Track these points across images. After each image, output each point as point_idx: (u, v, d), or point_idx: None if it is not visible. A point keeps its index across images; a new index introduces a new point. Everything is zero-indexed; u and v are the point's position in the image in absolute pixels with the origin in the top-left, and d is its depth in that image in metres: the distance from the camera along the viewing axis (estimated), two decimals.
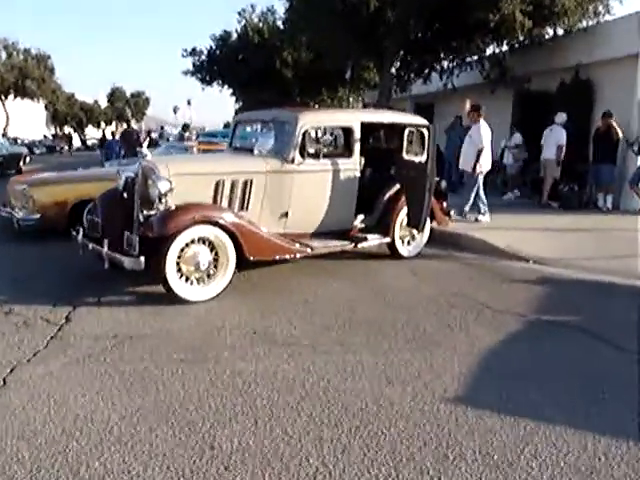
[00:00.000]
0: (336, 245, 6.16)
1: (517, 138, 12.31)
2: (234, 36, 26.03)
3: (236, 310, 4.98)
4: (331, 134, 7.33)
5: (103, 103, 75.18)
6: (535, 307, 5.21)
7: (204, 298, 5.17)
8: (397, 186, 6.85)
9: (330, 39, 13.41)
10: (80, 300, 5.15)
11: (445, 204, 7.76)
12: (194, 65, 26.18)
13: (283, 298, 5.35)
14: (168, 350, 4.03)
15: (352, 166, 6.28)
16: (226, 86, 27.63)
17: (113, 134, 18.59)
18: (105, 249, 5.14)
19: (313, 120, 5.94)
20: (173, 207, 5.10)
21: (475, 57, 14.08)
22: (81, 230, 5.72)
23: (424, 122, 6.82)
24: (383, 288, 5.73)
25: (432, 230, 7.33)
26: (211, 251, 5.19)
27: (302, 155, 5.83)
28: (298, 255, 5.83)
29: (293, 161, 5.79)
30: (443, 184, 7.59)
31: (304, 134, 5.82)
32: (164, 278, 4.95)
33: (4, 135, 42.23)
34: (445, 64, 14.28)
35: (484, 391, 3.49)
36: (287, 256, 5.75)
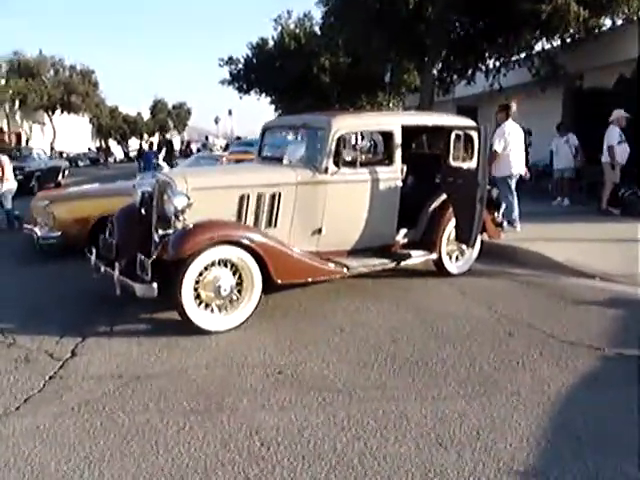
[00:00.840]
0: (376, 264, 5.49)
1: (572, 139, 11.29)
2: (270, 43, 25.71)
3: (261, 342, 4.37)
4: (369, 139, 6.65)
5: (146, 115, 76.51)
6: (612, 338, 4.42)
7: (226, 328, 4.58)
8: (443, 196, 6.14)
9: (368, 40, 12.74)
10: (91, 329, 4.65)
11: (497, 214, 7.00)
12: (231, 74, 25.96)
13: (316, 326, 4.71)
14: (178, 396, 3.45)
15: (393, 175, 5.61)
16: (263, 94, 27.33)
17: (150, 145, 18.41)
18: (116, 273, 4.62)
19: (348, 124, 5.31)
20: (191, 225, 4.55)
21: (522, 54, 13.17)
22: (94, 251, 5.23)
23: (472, 124, 6.10)
24: (429, 313, 5.03)
25: (482, 243, 6.57)
26: (234, 275, 4.61)
27: (336, 164, 5.20)
28: (333, 276, 5.19)
29: (326, 171, 5.16)
30: (494, 192, 6.82)
31: (338, 140, 5.20)
32: (180, 306, 4.39)
33: (52, 149, 43.28)
34: (490, 63, 13.40)
35: (564, 461, 2.76)
36: (320, 278, 5.12)
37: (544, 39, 12.12)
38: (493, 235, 6.62)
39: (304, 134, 5.76)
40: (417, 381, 3.65)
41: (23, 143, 42.46)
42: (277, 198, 5.07)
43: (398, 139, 5.58)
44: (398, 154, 5.60)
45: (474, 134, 6.07)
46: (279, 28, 24.93)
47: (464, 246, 6.12)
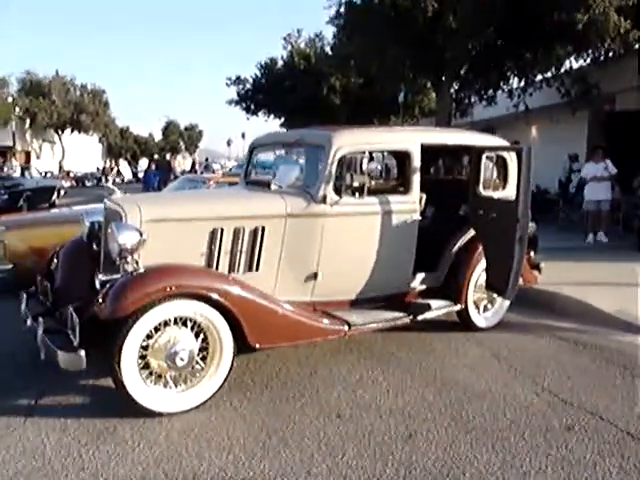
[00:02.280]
0: (386, 319, 4.30)
1: (610, 167, 9.97)
2: (279, 63, 24.88)
3: (228, 435, 3.19)
4: (380, 162, 5.48)
5: (157, 136, 76.46)
6: None
7: (183, 408, 3.42)
8: (471, 232, 4.98)
9: (381, 54, 11.66)
10: (9, 407, 3.49)
11: (532, 253, 5.81)
12: (238, 94, 25.11)
13: (304, 408, 3.52)
14: None
15: (410, 206, 4.46)
16: (272, 115, 26.43)
17: (150, 165, 17.46)
18: (40, 331, 3.48)
19: (354, 142, 4.18)
20: (142, 270, 3.42)
21: (549, 73, 12.03)
22: (25, 296, 4.11)
23: (507, 144, 4.96)
24: (455, 389, 3.82)
25: None
26: (197, 337, 3.45)
27: (338, 191, 4.07)
28: (330, 337, 4.02)
29: (325, 200, 4.03)
30: (532, 226, 5.62)
31: (341, 161, 4.07)
32: (119, 381, 3.23)
33: (60, 168, 42.74)
34: (514, 82, 12.27)
35: None
36: (312, 340, 3.95)
37: (575, 55, 10.99)
38: (529, 280, 5.42)
39: (299, 153, 4.64)
40: None
41: (32, 162, 42.12)
42: (260, 234, 3.94)
43: (417, 161, 4.44)
44: (416, 180, 4.47)
45: (509, 157, 4.95)
46: (289, 47, 24.14)
47: (495, 294, 4.94)
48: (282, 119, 27.99)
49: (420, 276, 4.77)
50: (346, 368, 4.16)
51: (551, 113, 13.00)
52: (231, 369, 3.56)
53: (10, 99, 38.55)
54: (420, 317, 4.53)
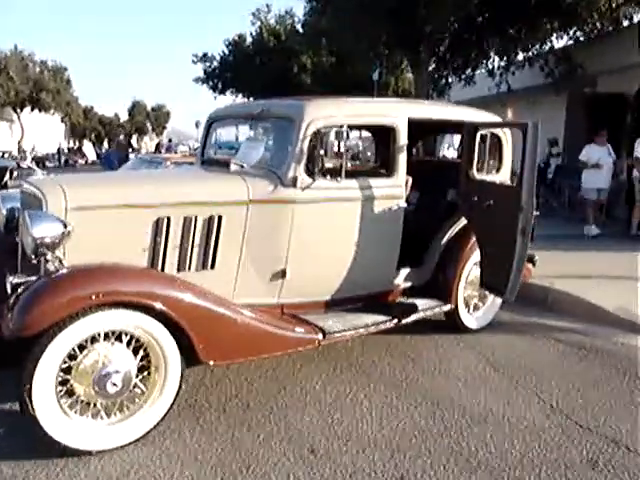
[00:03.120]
0: (367, 324, 3.65)
1: (612, 152, 9.04)
2: (248, 40, 23.85)
3: (174, 476, 2.52)
4: (359, 138, 4.77)
5: (123, 117, 74.33)
6: None
7: (119, 444, 2.73)
8: (462, 221, 4.37)
9: (356, 28, 10.88)
10: None
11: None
12: (205, 72, 24.02)
13: (268, 441, 2.86)
14: None
15: (394, 190, 3.80)
16: (240, 95, 25.41)
17: (110, 145, 16.34)
18: None
19: (329, 114, 3.49)
20: (64, 270, 2.70)
21: (532, 52, 11.45)
22: None
23: (507, 120, 4.33)
24: (450, 411, 3.21)
25: None
26: (135, 353, 2.76)
27: (310, 173, 3.39)
28: (300, 348, 3.36)
29: (294, 183, 3.35)
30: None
31: (314, 137, 3.38)
32: (30, 414, 2.51)
33: (19, 148, 40.90)
34: (495, 61, 11.65)
35: None
36: (278, 352, 3.28)
37: (562, 32, 10.39)
38: (525, 274, 4.84)
39: (264, 128, 3.92)
40: None
41: None
42: (216, 224, 3.23)
43: (403, 138, 3.78)
44: (402, 160, 3.81)
45: (504, 136, 4.36)
46: (257, 23, 23.09)
47: (490, 294, 4.35)
48: (250, 99, 27.01)
49: (404, 272, 4.14)
50: (320, 383, 3.51)
51: (531, 94, 12.46)
52: (179, 391, 2.88)
53: None
54: (405, 320, 3.90)
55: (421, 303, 4.10)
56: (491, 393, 3.45)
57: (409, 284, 4.23)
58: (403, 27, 10.04)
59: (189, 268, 3.21)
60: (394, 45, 11.77)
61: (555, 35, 10.56)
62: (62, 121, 55.69)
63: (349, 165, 3.71)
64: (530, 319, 4.93)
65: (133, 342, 2.74)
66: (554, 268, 5.74)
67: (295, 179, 3.34)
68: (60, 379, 2.59)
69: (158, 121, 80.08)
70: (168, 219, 3.11)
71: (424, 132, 4.96)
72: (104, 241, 2.96)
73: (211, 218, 3.21)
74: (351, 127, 3.52)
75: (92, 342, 2.64)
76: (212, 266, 3.27)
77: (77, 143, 61.06)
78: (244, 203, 3.27)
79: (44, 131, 51.49)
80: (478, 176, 4.26)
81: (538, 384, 3.58)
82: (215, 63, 23.93)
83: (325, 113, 3.47)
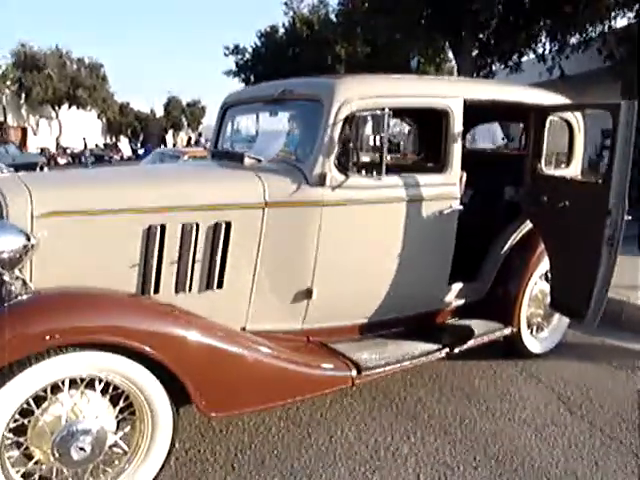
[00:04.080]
0: (412, 356, 2.94)
1: None
2: (281, 31, 23.18)
3: None
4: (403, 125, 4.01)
5: (159, 112, 74.90)
6: None
7: None
8: (527, 225, 3.61)
9: (393, 12, 10.04)
10: None
11: None
12: (237, 64, 23.46)
13: None
14: None
15: (447, 189, 3.08)
16: None
17: (145, 139, 15.82)
18: None
19: (367, 94, 2.78)
20: (24, 297, 2.08)
21: (586, 34, 10.42)
22: None
23: (591, 102, 3.55)
24: (521, 474, 2.48)
25: None
26: (113, 404, 2.12)
27: (342, 168, 2.70)
28: (328, 390, 2.67)
29: (323, 180, 2.66)
30: None
31: (347, 123, 2.68)
32: None
33: (57, 144, 41.39)
34: (546, 45, 10.66)
35: None
36: (300, 398, 2.60)
37: (624, 10, 9.37)
38: None
39: (286, 113, 3.22)
40: None
41: (29, 138, 40.92)
42: (224, 233, 2.57)
43: (458, 124, 3.05)
44: (457, 152, 3.08)
45: (576, 122, 3.60)
46: (290, 13, 22.40)
47: (564, 316, 3.58)
48: None
49: (456, 287, 3.41)
50: (353, 429, 2.82)
51: (582, 81, 11.42)
52: (171, 449, 2.24)
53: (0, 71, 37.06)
54: (459, 349, 3.17)
55: (477, 326, 3.37)
56: (571, 448, 2.71)
57: (461, 302, 3.50)
58: (443, 8, 9.16)
59: (190, 289, 2.56)
60: (435, 29, 10.86)
61: (616, 12, 9.52)
62: (99, 117, 56.30)
63: (389, 158, 2.98)
64: (603, 341, 4.14)
65: (110, 389, 2.10)
66: (630, 278, 4.90)
67: (323, 176, 2.65)
68: (9, 441, 1.97)
69: (194, 116, 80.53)
70: (162, 227, 2.46)
71: (478, 118, 4.20)
72: (82, 256, 2.34)
73: (217, 225, 2.55)
74: (393, 111, 2.80)
75: (53, 392, 2.01)
76: (219, 285, 2.61)
77: (113, 139, 61.62)
78: (259, 206, 2.60)
79: (81, 128, 52.06)
80: (549, 171, 3.51)
81: (631, 437, 2.81)
82: (247, 55, 23.35)
83: (361, 92, 2.76)
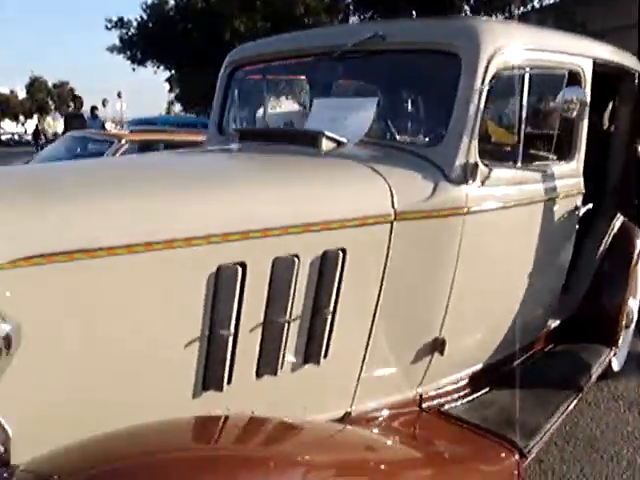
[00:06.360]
0: (558, 409, 2.11)
1: None
2: (171, 2, 21.20)
3: None
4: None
5: (21, 94, 68.54)
6: None
7: None
8: (618, 221, 2.92)
9: None
10: None
11: None
12: (121, 40, 21.14)
13: None
14: None
15: (574, 182, 2.28)
16: (162, 67, 22.73)
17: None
18: None
19: (514, 44, 1.85)
20: None
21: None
22: None
23: None
24: None
25: None
26: None
27: (486, 156, 1.78)
28: None
29: (471, 174, 1.73)
30: None
31: (494, 87, 1.77)
32: None
33: None
34: None
35: None
36: None
37: None
38: None
39: (373, 73, 2.19)
40: None
41: None
42: (337, 266, 1.55)
43: (587, 93, 2.24)
44: (584, 133, 2.27)
45: None
46: None
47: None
48: (172, 73, 24.43)
49: (555, 304, 2.64)
50: None
51: None
52: None
53: None
54: (587, 386, 2.40)
55: (584, 351, 2.63)
56: None
57: (557, 322, 2.74)
58: None
59: (281, 366, 1.52)
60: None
61: None
62: None
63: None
64: None
65: None
66: None
67: (473, 168, 1.72)
68: None
69: (62, 99, 74.31)
70: (243, 267, 1.39)
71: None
72: (94, 340, 1.24)
73: (325, 256, 1.53)
74: (533, 71, 1.92)
75: None
76: (325, 354, 1.60)
77: None
78: (385, 220, 1.61)
79: None
80: None
81: None
82: (132, 30, 21.11)
83: (510, 43, 1.84)
